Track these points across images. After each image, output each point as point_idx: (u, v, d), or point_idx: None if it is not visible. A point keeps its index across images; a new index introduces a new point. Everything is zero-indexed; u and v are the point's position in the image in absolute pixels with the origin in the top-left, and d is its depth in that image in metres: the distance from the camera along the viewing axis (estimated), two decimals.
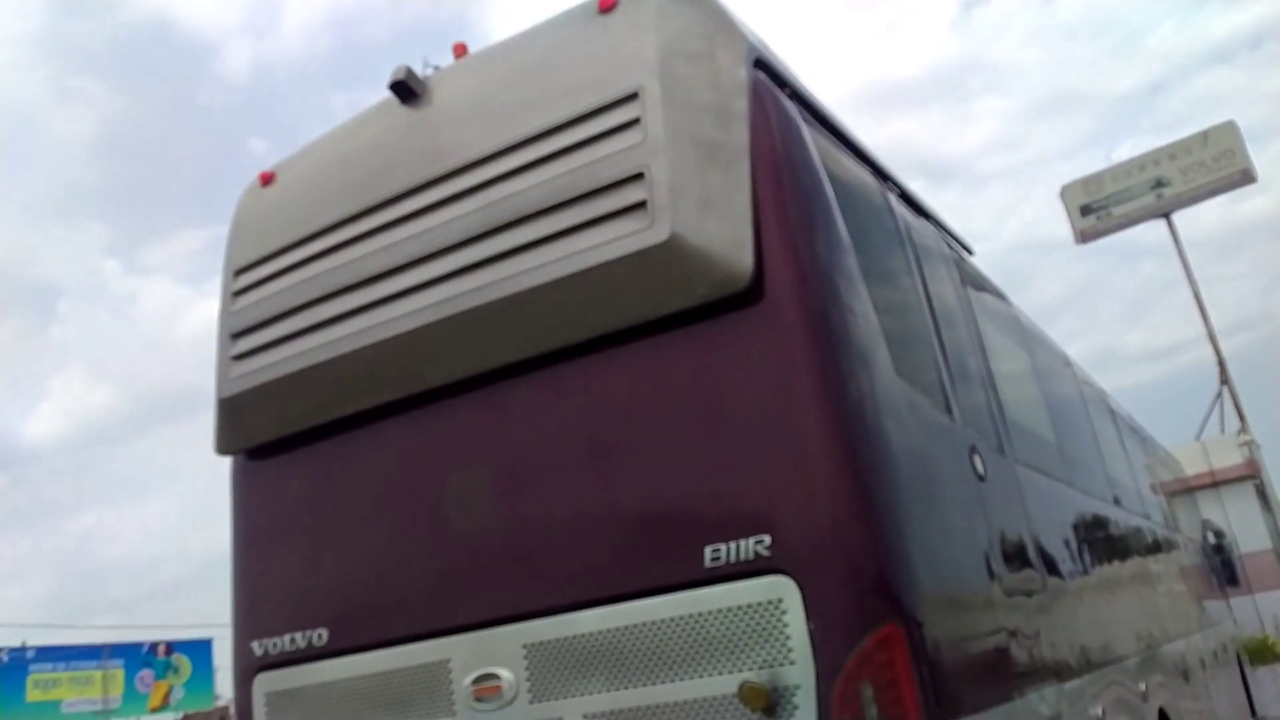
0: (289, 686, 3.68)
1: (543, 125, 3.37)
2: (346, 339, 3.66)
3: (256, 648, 3.78)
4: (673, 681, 2.96)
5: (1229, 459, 17.99)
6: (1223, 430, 19.20)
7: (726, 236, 3.08)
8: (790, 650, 2.82)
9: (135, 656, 39.25)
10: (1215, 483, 17.67)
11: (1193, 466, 16.94)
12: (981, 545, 3.60)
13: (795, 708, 2.79)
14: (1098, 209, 28.06)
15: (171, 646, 39.02)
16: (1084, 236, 28.19)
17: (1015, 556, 3.93)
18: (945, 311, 4.21)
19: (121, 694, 39.13)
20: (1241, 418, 18.94)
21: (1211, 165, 26.31)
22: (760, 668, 2.84)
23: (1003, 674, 3.41)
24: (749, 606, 2.89)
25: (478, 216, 3.42)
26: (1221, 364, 19.48)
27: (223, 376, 3.97)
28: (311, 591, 3.74)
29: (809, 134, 3.40)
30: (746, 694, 2.81)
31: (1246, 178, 26.36)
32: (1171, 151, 27.36)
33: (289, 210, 3.97)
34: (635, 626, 3.05)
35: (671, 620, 2.99)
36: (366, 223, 3.68)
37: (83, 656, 38.92)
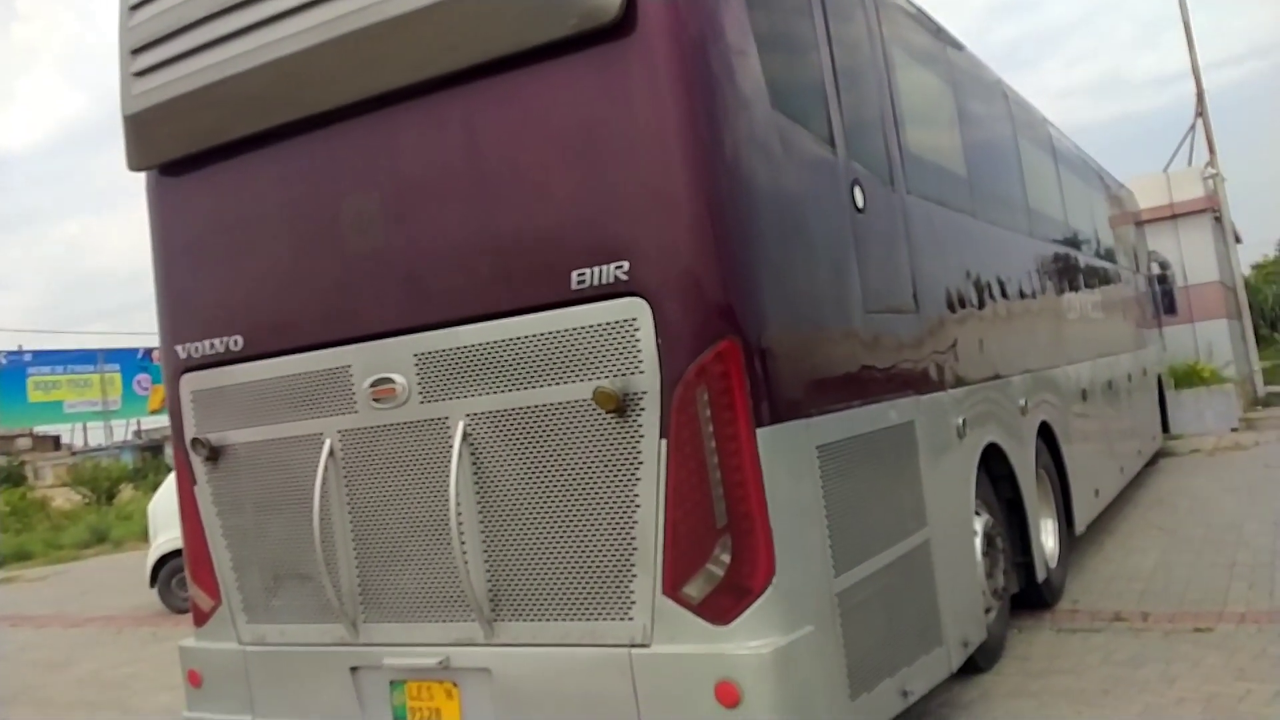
0: (211, 386, 4.06)
1: None
2: (242, 57, 3.82)
3: (181, 351, 4.13)
4: (541, 387, 3.32)
5: (1191, 192, 18.10)
6: (1190, 163, 19.21)
7: None
8: (640, 362, 3.16)
9: (131, 361, 40.74)
10: (1174, 215, 17.92)
11: (1154, 198, 17.06)
12: (846, 271, 3.87)
13: (642, 410, 3.16)
14: None
15: None
16: None
17: (885, 282, 4.21)
18: (846, 44, 4.25)
19: (120, 396, 40.98)
20: (1211, 150, 18.88)
21: None
22: (613, 376, 3.19)
23: (851, 384, 3.78)
24: (607, 324, 3.21)
25: None
26: (1200, 94, 19.14)
27: (126, 93, 4.10)
28: (225, 301, 4.04)
29: None
30: (599, 397, 3.17)
31: None
32: None
33: None
34: (510, 340, 3.37)
35: (541, 335, 3.32)
36: None
37: (79, 361, 40.38)
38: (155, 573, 9.89)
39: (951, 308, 5.03)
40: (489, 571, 3.46)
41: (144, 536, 12.64)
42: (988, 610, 4.89)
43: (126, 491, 27.18)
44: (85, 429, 45.19)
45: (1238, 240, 21.22)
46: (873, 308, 4.01)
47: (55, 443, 50.09)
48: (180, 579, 9.11)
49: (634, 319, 3.16)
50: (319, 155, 3.79)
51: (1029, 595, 5.71)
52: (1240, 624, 5.27)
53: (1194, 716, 4.09)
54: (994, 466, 5.29)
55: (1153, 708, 4.25)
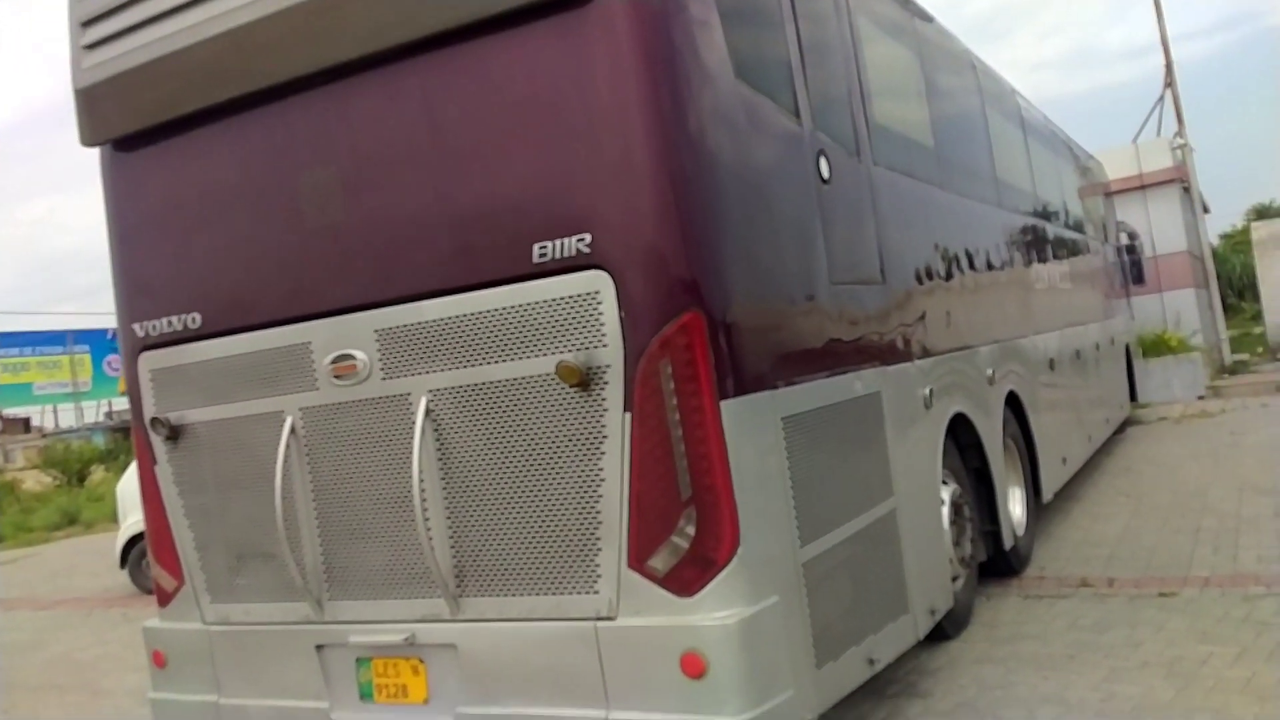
0: (170, 364, 4.00)
1: None
2: (194, 29, 3.75)
3: (138, 329, 4.07)
4: (503, 362, 3.29)
5: (1160, 162, 18.19)
6: (1159, 134, 19.31)
7: None
8: (603, 335, 3.13)
9: (101, 342, 40.20)
10: (1143, 185, 18.02)
11: (1123, 169, 17.15)
12: (812, 242, 3.86)
13: (606, 384, 3.14)
14: None
15: None
16: None
17: (850, 253, 4.20)
18: (812, 14, 4.21)
19: (91, 378, 40.49)
20: (1180, 121, 18.97)
21: None
22: (576, 350, 3.16)
23: (817, 356, 3.78)
24: (570, 298, 3.18)
25: None
26: (1169, 65, 19.21)
27: (76, 66, 4.02)
28: (182, 278, 3.98)
29: None
30: (562, 371, 3.15)
31: None
32: None
33: None
34: (472, 315, 3.34)
35: (503, 309, 3.28)
36: None
37: (48, 342, 39.83)
38: (125, 554, 9.81)
39: (918, 279, 5.03)
40: (454, 548, 3.44)
41: (114, 518, 12.53)
42: (955, 578, 4.93)
43: (98, 473, 26.94)
44: (56, 411, 44.70)
45: (1206, 210, 21.42)
46: (839, 279, 4.00)
47: (25, 425, 49.51)
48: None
49: (596, 292, 3.13)
50: (276, 129, 3.72)
51: (996, 563, 5.76)
52: (1204, 588, 5.34)
53: (1157, 680, 4.15)
54: (961, 436, 5.32)
55: (1117, 672, 4.31)
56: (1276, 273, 22.53)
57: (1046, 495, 6.91)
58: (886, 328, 4.46)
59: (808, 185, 3.90)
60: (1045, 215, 8.81)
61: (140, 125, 3.96)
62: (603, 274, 3.13)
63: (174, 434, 3.98)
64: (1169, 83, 19.20)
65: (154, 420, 4.01)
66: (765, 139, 3.70)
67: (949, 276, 5.53)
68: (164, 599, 4.18)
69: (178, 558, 4.08)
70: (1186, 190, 19.17)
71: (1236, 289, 33.62)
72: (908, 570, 4.19)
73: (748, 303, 3.36)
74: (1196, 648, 4.46)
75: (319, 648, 3.73)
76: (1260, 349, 22.21)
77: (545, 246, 3.20)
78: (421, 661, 3.53)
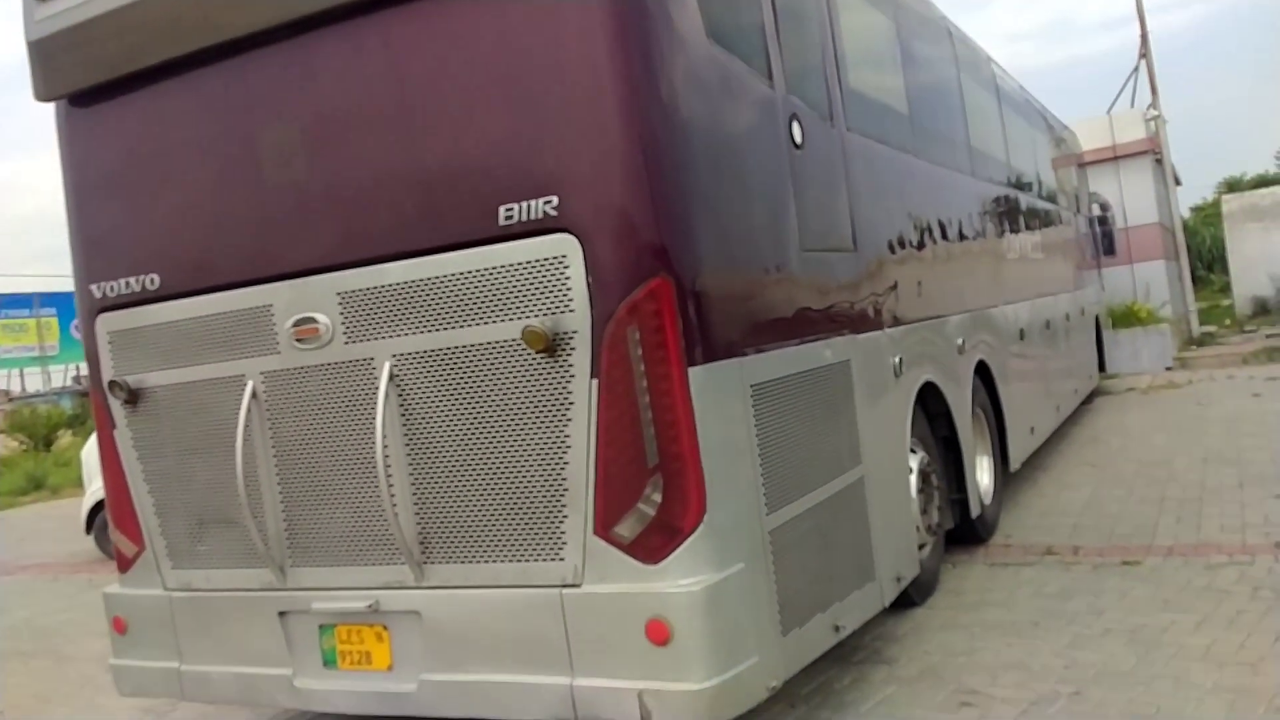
0: (128, 326, 3.92)
1: None
2: None
3: (95, 290, 3.97)
4: (468, 326, 3.24)
5: (1133, 134, 18.25)
6: (1133, 106, 19.37)
7: None
8: (570, 300, 3.09)
9: (68, 305, 39.47)
10: (1116, 157, 18.08)
11: (1097, 140, 17.21)
12: (783, 208, 3.81)
13: (572, 349, 3.10)
14: None
15: None
16: None
17: (822, 220, 4.17)
18: None
19: (58, 341, 39.94)
20: (1154, 92, 19.03)
21: None
22: (543, 315, 3.12)
23: (786, 323, 3.74)
24: (536, 262, 3.12)
25: None
26: (1144, 35, 19.25)
27: (29, 18, 3.90)
28: (140, 238, 3.88)
29: None
30: (528, 336, 3.10)
31: None
32: None
33: None
34: (436, 278, 3.28)
35: (469, 273, 3.23)
36: None
37: (13, 305, 39.23)
38: (91, 519, 9.68)
39: (890, 247, 5.01)
40: (418, 514, 3.40)
41: (81, 483, 12.38)
42: (922, 546, 4.95)
43: (65, 438, 26.59)
44: (22, 375, 44.10)
45: (1177, 183, 21.53)
46: (810, 246, 3.97)
47: None
48: None
49: (564, 256, 3.08)
50: (235, 84, 3.62)
51: (963, 531, 5.80)
52: (1167, 557, 5.40)
53: (1119, 647, 4.19)
54: (931, 405, 5.32)
55: (1080, 639, 4.35)
56: (1246, 246, 22.76)
57: (1014, 464, 6.96)
58: (857, 296, 4.43)
59: (780, 150, 3.85)
60: (1019, 185, 8.80)
61: (95, 79, 3.84)
62: (570, 238, 3.07)
63: (133, 397, 3.90)
64: (1144, 54, 19.24)
65: (112, 383, 3.92)
66: (737, 102, 3.64)
67: (921, 245, 5.51)
68: (124, 565, 4.12)
69: (138, 523, 4.01)
70: (1159, 162, 19.27)
71: (1206, 262, 33.96)
72: (875, 538, 4.19)
73: (717, 269, 3.32)
74: (1158, 616, 4.51)
75: (281, 614, 3.69)
76: (1228, 321, 22.47)
77: (511, 209, 3.14)
78: (385, 628, 3.50)
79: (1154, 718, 3.51)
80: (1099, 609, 4.70)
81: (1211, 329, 21.05)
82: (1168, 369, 14.98)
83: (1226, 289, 25.98)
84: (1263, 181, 39.86)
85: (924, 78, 6.34)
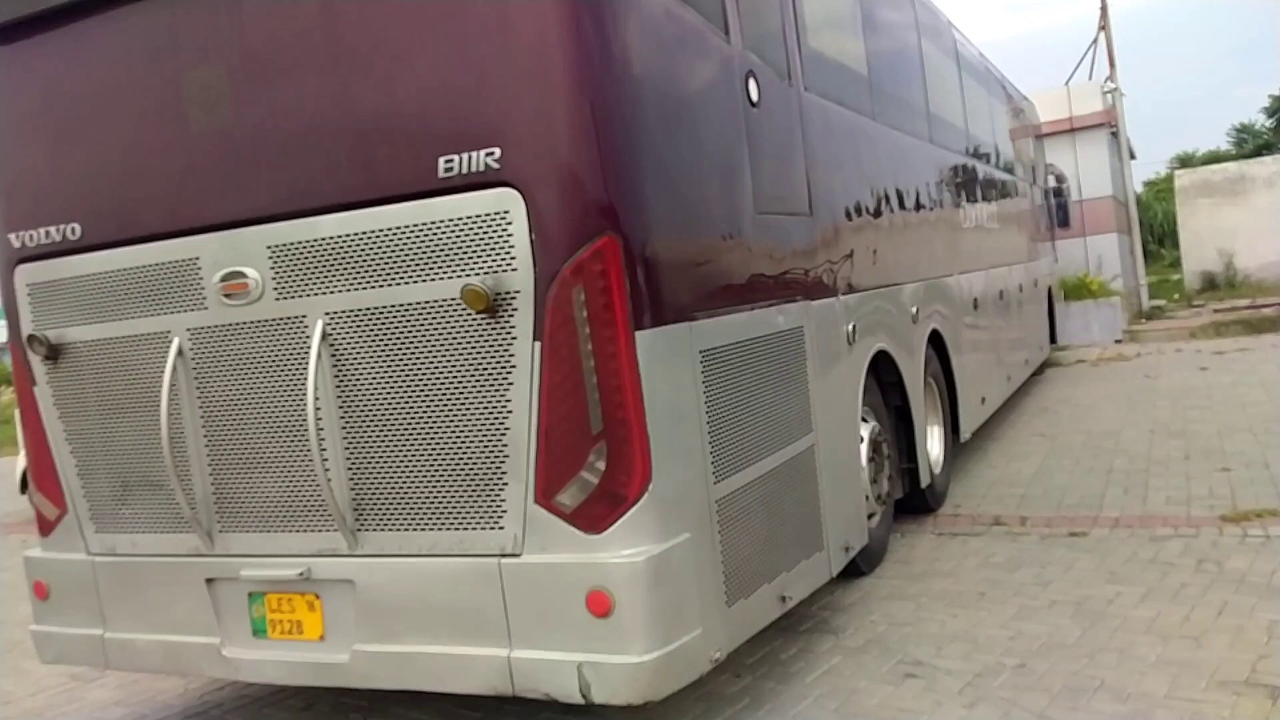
0: (49, 278, 3.72)
1: None
2: None
3: (14, 240, 3.77)
4: (405, 284, 3.09)
5: (1090, 106, 18.32)
6: (1090, 77, 19.44)
7: None
8: (513, 258, 2.95)
9: None
10: (1073, 128, 18.15)
11: (1055, 112, 17.23)
12: (737, 168, 3.70)
13: (514, 310, 2.97)
14: None
15: None
16: None
17: (778, 182, 4.05)
18: None
19: None
20: (1112, 64, 19.08)
21: None
22: (483, 274, 2.98)
23: (738, 288, 3.64)
24: (477, 217, 2.98)
25: None
26: (1104, 7, 19.27)
27: None
28: (61, 185, 3.68)
29: None
30: (468, 296, 2.96)
31: None
32: None
33: None
34: (372, 232, 3.13)
35: (405, 228, 3.08)
36: None
37: None
38: (26, 479, 9.41)
39: (846, 212, 4.91)
40: (352, 480, 3.26)
41: (17, 441, 12.03)
42: (871, 515, 4.91)
43: (5, 394, 25.94)
44: None
45: (1132, 157, 21.66)
46: (764, 208, 3.86)
47: None
48: None
49: (506, 211, 2.94)
50: (160, 22, 3.42)
51: (913, 500, 5.78)
52: (1114, 528, 5.42)
53: (1065, 619, 4.18)
54: (883, 373, 5.26)
55: (1026, 610, 4.33)
56: (1196, 221, 23.03)
57: (965, 434, 6.95)
58: (812, 261, 4.34)
59: (735, 107, 3.73)
60: (976, 154, 8.75)
61: (14, 15, 3.61)
62: (513, 192, 2.94)
63: (53, 353, 3.71)
64: (1103, 25, 19.27)
65: (31, 338, 3.73)
66: (691, 55, 3.51)
67: (877, 211, 5.42)
68: (46, 528, 3.96)
69: (60, 484, 3.84)
70: (1115, 135, 19.37)
71: (1157, 236, 34.41)
72: (824, 507, 4.13)
73: (667, 229, 3.20)
74: (1104, 587, 4.51)
75: (209, 581, 3.54)
76: (1177, 295, 22.78)
77: (451, 160, 2.99)
78: (317, 597, 3.37)
79: (1098, 691, 3.49)
80: (1045, 580, 4.70)
81: (1161, 303, 21.33)
82: (1117, 341, 15.15)
83: (1176, 264, 26.32)
84: (1215, 158, 40.38)
85: (884, 40, 6.23)
